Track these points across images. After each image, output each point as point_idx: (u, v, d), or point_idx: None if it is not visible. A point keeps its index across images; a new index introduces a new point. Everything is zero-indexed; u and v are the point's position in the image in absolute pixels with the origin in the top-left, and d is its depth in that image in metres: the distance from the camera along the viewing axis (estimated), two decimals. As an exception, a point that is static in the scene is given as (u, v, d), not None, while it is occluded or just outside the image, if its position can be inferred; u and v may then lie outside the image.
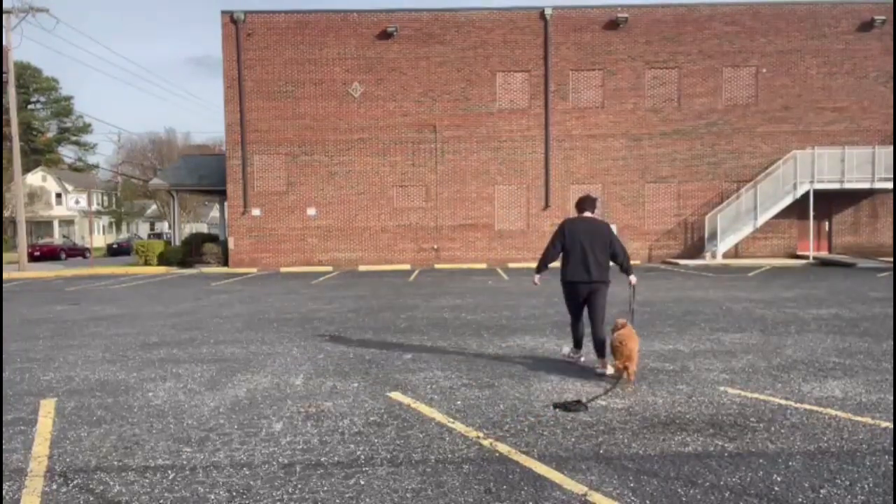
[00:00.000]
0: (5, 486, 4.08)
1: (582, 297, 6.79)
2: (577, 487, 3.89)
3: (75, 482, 4.13)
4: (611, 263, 6.73)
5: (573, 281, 6.72)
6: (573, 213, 7.20)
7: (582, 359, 7.21)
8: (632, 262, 6.93)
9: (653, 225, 25.43)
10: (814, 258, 23.80)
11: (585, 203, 6.90)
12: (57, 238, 53.18)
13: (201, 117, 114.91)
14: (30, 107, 68.00)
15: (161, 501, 3.81)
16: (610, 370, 6.50)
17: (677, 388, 6.12)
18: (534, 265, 7.50)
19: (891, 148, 23.70)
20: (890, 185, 23.71)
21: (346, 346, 8.60)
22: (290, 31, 25.07)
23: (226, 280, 20.67)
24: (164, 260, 27.19)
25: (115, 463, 4.44)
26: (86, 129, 75.00)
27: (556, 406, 5.53)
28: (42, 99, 71.62)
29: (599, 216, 7.09)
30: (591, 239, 6.62)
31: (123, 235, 63.71)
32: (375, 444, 4.70)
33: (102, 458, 4.55)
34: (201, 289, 17.68)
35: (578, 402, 5.58)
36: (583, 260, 6.62)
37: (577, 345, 7.20)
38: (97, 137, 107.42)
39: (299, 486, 3.99)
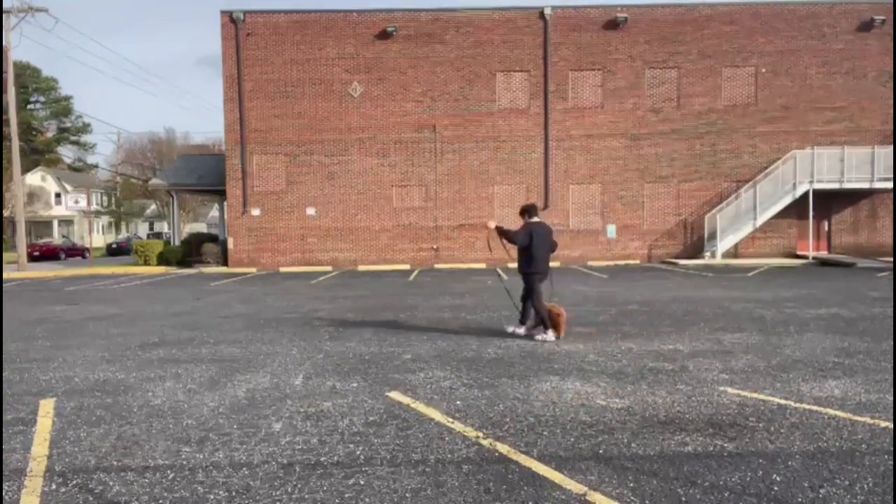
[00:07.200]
0: (5, 486, 4.08)
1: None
2: (577, 487, 3.89)
3: (75, 482, 4.13)
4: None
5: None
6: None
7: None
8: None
9: (652, 225, 25.40)
10: (813, 258, 23.81)
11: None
12: (56, 238, 53.13)
13: (200, 117, 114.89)
14: (29, 107, 67.90)
15: (160, 501, 3.81)
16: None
17: (677, 388, 6.12)
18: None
19: (890, 148, 23.71)
20: (889, 185, 23.73)
21: (346, 346, 8.60)
22: (290, 30, 25.07)
23: (225, 280, 20.66)
24: (163, 260, 27.18)
25: (115, 463, 4.44)
26: (85, 128, 74.93)
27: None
28: (42, 99, 71.51)
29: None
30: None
31: (123, 235, 63.62)
32: (375, 444, 4.70)
33: (102, 458, 4.55)
34: (201, 289, 17.67)
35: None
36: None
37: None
38: (97, 137, 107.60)
39: (299, 486, 3.99)
